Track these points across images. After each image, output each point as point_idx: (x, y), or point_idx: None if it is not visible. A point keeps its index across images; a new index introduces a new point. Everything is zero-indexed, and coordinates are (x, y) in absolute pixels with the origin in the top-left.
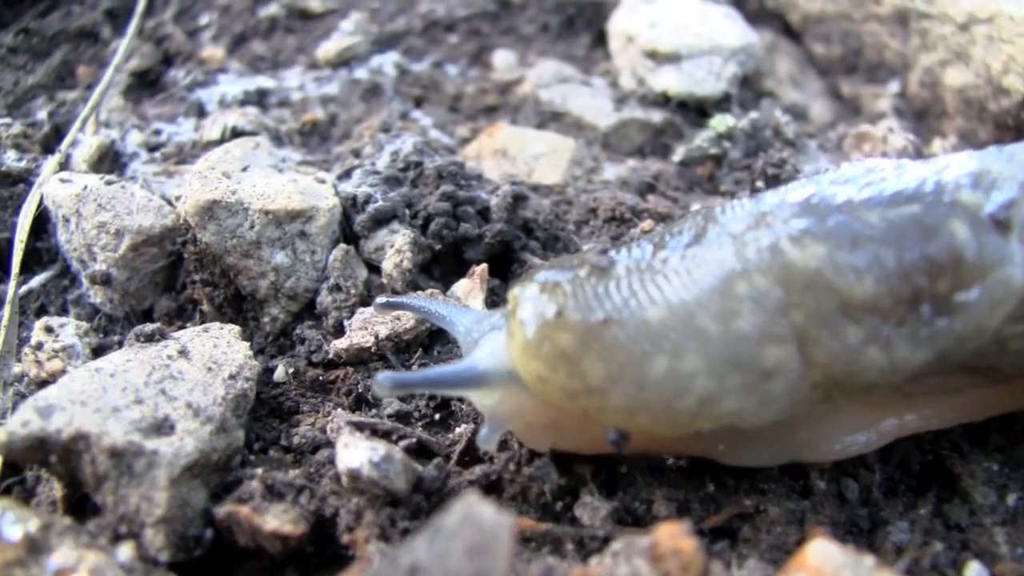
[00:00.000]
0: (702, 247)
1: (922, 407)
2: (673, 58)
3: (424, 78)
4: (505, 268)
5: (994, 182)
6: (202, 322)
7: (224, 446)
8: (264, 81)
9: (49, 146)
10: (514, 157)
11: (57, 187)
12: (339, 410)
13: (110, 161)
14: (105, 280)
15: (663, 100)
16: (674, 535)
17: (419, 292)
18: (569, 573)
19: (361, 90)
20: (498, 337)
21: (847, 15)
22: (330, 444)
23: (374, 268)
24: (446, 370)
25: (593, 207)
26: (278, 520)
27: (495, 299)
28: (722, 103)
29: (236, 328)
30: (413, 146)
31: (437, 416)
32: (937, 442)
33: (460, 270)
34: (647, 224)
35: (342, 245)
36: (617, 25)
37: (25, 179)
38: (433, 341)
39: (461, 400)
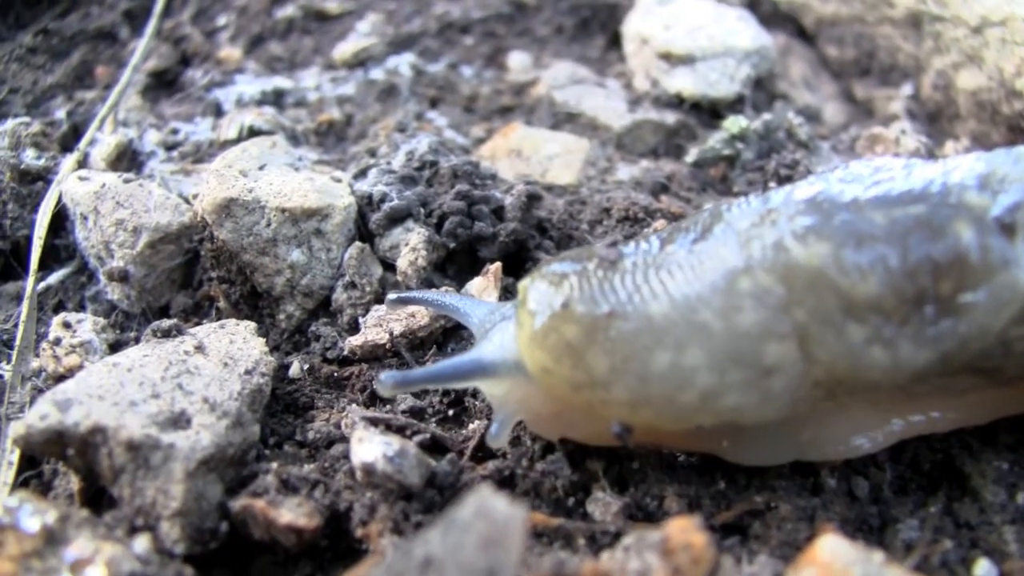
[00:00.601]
0: (708, 243)
1: (927, 408)
2: (687, 60)
3: (439, 79)
4: (519, 267)
5: (1001, 184)
6: (218, 319)
7: (240, 440)
8: (281, 81)
9: (68, 145)
10: (528, 157)
11: (75, 185)
12: (354, 406)
13: (128, 160)
14: (122, 277)
15: (677, 101)
16: (685, 529)
17: (433, 290)
18: (581, 567)
19: (377, 91)
20: (508, 327)
21: (860, 18)
22: (344, 439)
23: (389, 266)
24: (448, 364)
25: (607, 207)
26: (293, 513)
27: (509, 297)
28: (735, 105)
29: (252, 324)
30: (428, 146)
31: (451, 412)
32: (947, 441)
33: (474, 268)
34: (660, 224)
35: (357, 243)
36: (631, 27)
37: (44, 177)
38: (447, 338)
39: (475, 396)
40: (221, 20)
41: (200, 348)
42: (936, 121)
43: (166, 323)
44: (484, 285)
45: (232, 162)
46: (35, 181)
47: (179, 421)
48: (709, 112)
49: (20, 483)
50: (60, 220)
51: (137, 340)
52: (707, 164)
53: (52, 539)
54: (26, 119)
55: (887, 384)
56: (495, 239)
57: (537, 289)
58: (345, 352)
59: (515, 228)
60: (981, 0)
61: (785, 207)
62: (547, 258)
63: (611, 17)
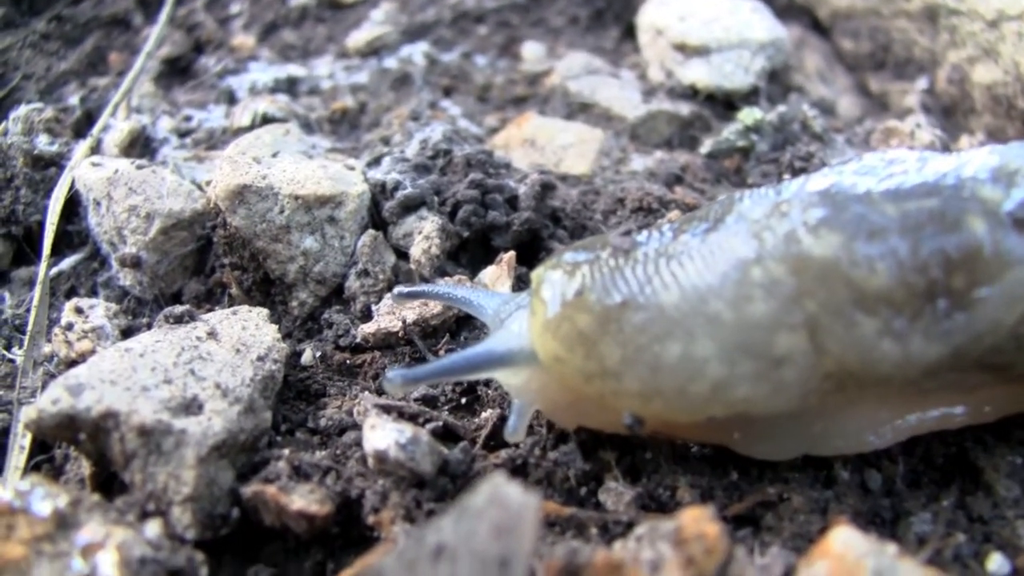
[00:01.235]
0: (720, 233)
1: (937, 405)
2: (702, 51)
3: (453, 68)
4: (532, 256)
5: (1014, 178)
6: (230, 305)
7: (252, 427)
8: (294, 69)
9: (81, 131)
10: (542, 147)
11: (88, 171)
12: (366, 393)
13: (141, 146)
14: (135, 263)
15: (691, 93)
16: (698, 520)
17: (447, 279)
18: (593, 556)
19: (390, 79)
20: (525, 316)
21: (876, 11)
22: (357, 427)
23: (402, 254)
24: (460, 357)
25: (621, 197)
26: (304, 500)
27: (522, 287)
28: (750, 96)
29: (264, 311)
30: (442, 134)
31: (463, 400)
32: (961, 435)
33: (488, 257)
34: (674, 215)
35: (371, 231)
36: (646, 18)
37: (57, 163)
38: (460, 326)
39: (488, 384)
40: (235, 8)
41: (212, 334)
42: (951, 115)
43: (178, 309)
44: (497, 274)
45: (245, 149)
46: (48, 167)
47: (191, 407)
48: (723, 104)
49: (32, 467)
50: (73, 206)
51: (149, 326)
52: (721, 156)
53: (63, 523)
54: (39, 105)
55: (898, 378)
56: (509, 228)
57: (551, 278)
58: (358, 340)
59: (529, 217)
60: None
61: (798, 198)
62: (561, 247)
63: (626, 8)
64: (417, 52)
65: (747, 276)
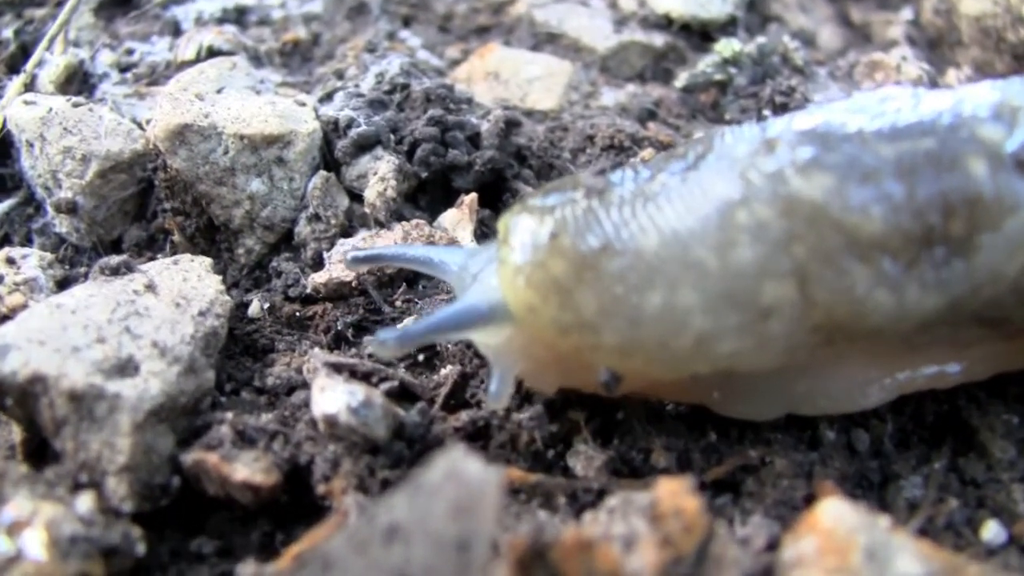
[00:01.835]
0: (702, 172)
1: (928, 362)
2: None
3: None
4: (496, 198)
5: (1017, 116)
6: (173, 253)
7: (193, 388)
8: None
9: (14, 66)
10: (507, 80)
11: (21, 109)
12: (316, 349)
13: (79, 82)
14: (71, 208)
15: (665, 22)
16: (676, 493)
17: (404, 222)
18: (561, 532)
19: (346, 8)
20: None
21: None
22: (306, 385)
23: (356, 197)
24: (446, 314)
25: (590, 134)
26: (249, 469)
27: (485, 231)
28: (727, 27)
29: (208, 260)
30: (400, 67)
31: (421, 357)
32: (953, 392)
33: (448, 200)
34: (647, 153)
35: (322, 172)
36: None
37: None
38: (418, 275)
39: None
40: None
41: (151, 287)
42: (937, 48)
43: (114, 260)
44: (458, 218)
45: (188, 85)
46: None
47: (126, 368)
48: (699, 34)
49: None
50: (5, 147)
51: (87, 276)
52: (697, 89)
53: None
54: None
55: (889, 332)
56: (470, 168)
57: (520, 223)
58: (308, 290)
59: (492, 156)
60: None
61: (786, 136)
62: (528, 191)
63: None
64: None
65: (732, 219)
